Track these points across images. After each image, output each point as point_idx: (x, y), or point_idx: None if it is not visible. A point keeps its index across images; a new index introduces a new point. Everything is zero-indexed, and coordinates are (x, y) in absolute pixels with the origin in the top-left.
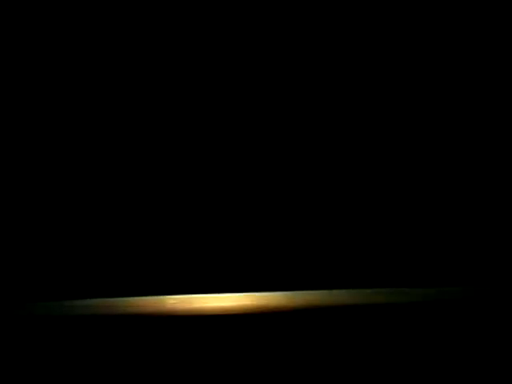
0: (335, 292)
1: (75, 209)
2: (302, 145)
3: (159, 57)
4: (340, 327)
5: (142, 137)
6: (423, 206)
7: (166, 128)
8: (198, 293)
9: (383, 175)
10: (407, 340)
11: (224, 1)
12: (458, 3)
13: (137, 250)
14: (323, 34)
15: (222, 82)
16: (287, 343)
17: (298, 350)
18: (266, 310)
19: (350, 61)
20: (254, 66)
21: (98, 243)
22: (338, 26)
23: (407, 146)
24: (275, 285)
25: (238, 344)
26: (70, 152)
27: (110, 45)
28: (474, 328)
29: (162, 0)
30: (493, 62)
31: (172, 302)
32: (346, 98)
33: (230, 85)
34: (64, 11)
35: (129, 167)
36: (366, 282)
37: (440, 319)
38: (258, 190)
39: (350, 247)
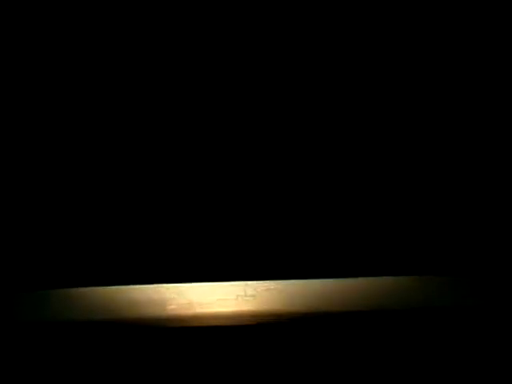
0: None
1: (70, 199)
2: (300, 135)
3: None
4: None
5: (138, 127)
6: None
7: (164, 122)
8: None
9: (385, 172)
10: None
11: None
12: (458, 3)
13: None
14: (322, 34)
15: (219, 78)
16: (289, 353)
17: (301, 359)
18: (267, 319)
19: (348, 60)
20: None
21: (92, 232)
22: (337, 26)
23: (403, 138)
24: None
25: (237, 355)
26: (64, 138)
27: (110, 45)
28: (477, 334)
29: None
30: (493, 62)
31: (172, 307)
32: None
33: (227, 81)
34: (64, 11)
35: (121, 156)
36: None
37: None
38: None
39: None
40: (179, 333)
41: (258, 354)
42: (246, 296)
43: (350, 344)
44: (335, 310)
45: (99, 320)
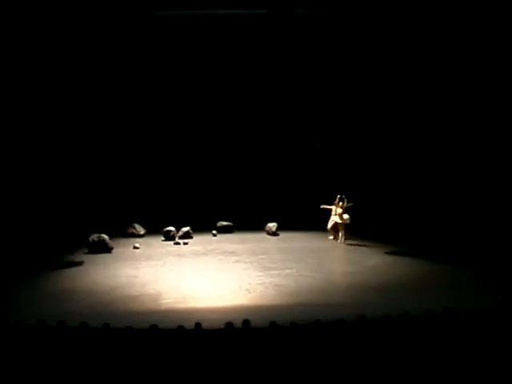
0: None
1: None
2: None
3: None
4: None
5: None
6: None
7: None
8: None
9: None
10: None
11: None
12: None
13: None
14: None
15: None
16: (282, 355)
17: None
18: (261, 313)
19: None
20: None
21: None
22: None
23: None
24: None
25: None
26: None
27: (110, 48)
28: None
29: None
30: (493, 62)
31: (167, 301)
32: None
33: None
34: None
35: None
36: None
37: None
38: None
39: None
40: (173, 331)
41: (255, 350)
42: (240, 290)
43: (345, 339)
44: (330, 305)
45: (95, 315)
